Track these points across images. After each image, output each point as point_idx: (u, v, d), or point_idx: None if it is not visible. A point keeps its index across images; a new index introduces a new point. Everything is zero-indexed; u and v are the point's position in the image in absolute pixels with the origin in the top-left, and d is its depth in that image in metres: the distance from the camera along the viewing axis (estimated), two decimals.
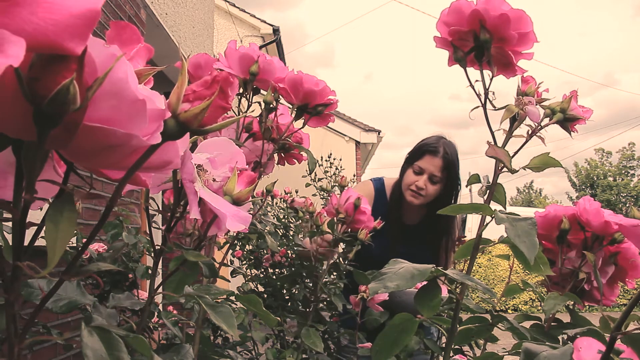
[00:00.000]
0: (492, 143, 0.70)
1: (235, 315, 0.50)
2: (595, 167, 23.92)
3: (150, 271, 0.54)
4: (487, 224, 0.71)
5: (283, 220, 1.88)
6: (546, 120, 0.74)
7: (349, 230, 1.16)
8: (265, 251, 1.80)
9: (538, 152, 0.72)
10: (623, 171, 23.52)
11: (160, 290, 0.52)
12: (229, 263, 1.44)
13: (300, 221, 1.55)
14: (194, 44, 3.97)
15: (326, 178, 3.69)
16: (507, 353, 0.71)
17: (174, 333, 0.81)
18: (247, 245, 1.89)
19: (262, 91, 0.91)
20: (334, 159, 4.08)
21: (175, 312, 1.09)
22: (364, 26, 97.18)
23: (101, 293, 1.08)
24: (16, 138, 0.26)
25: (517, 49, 0.67)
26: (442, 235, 1.61)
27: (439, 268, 0.67)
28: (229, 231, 1.24)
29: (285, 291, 1.55)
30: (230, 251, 1.85)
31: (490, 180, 0.72)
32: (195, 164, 0.43)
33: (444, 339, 1.03)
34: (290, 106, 0.90)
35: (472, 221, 5.81)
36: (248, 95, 0.89)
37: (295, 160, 1.00)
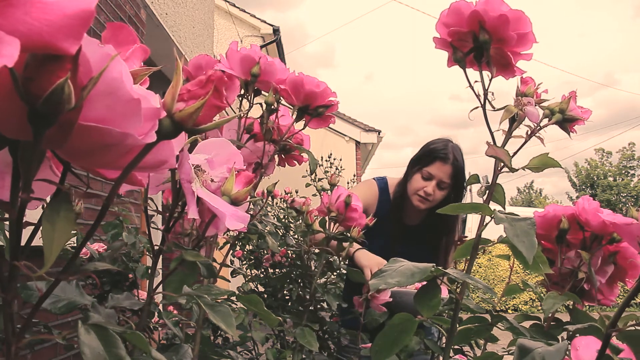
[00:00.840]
0: (492, 143, 0.70)
1: (235, 315, 0.51)
2: (595, 167, 23.88)
3: (149, 271, 0.54)
4: (486, 224, 0.71)
5: (283, 220, 1.89)
6: (545, 121, 0.74)
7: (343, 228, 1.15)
8: (265, 251, 1.80)
9: (537, 152, 0.72)
10: (623, 171, 23.48)
11: (159, 290, 0.52)
12: (229, 263, 1.44)
13: (299, 221, 1.55)
14: (194, 44, 3.98)
15: (326, 178, 3.68)
16: (507, 353, 0.71)
17: (175, 333, 0.81)
18: (247, 246, 1.89)
19: (263, 92, 0.91)
20: (334, 159, 4.09)
21: (175, 312, 1.09)
22: (364, 26, 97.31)
23: (101, 293, 1.08)
24: (12, 138, 0.26)
25: (516, 49, 0.67)
26: (442, 236, 1.61)
27: (439, 267, 0.67)
28: (229, 231, 1.25)
29: (285, 291, 1.55)
30: (231, 251, 1.85)
31: (490, 181, 0.72)
32: (193, 165, 0.43)
33: (444, 339, 1.03)
34: (291, 107, 0.90)
35: (472, 221, 5.82)
36: (249, 97, 0.89)
37: (296, 162, 1.00)
